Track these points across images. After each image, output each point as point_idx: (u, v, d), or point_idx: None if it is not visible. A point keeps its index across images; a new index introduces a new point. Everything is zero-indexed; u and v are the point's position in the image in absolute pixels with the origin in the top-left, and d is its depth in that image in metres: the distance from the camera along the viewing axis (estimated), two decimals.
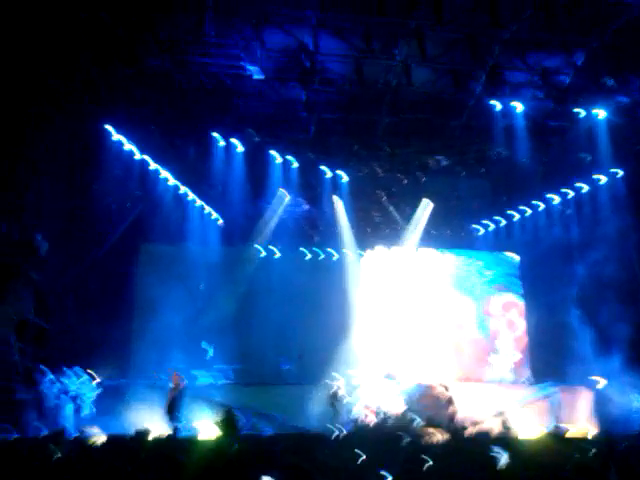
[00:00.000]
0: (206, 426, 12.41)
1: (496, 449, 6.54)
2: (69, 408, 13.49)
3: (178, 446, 10.25)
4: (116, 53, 12.31)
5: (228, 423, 10.17)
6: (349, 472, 5.71)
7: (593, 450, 8.47)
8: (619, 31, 11.90)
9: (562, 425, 15.28)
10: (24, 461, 6.79)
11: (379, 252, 19.46)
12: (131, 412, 13.43)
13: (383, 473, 5.84)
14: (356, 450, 6.46)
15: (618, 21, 11.67)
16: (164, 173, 16.18)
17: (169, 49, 12.54)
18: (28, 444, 9.21)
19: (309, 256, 19.24)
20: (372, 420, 14.41)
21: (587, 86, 13.37)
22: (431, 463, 6.64)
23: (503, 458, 6.41)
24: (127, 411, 13.51)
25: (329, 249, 19.22)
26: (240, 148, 15.56)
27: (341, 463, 6.22)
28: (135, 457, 8.52)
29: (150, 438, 11.06)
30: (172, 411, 12.24)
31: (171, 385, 12.74)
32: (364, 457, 6.48)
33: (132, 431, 11.15)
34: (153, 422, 12.10)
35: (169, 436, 11.67)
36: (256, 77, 13.21)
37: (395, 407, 15.27)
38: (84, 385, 13.83)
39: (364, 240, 19.00)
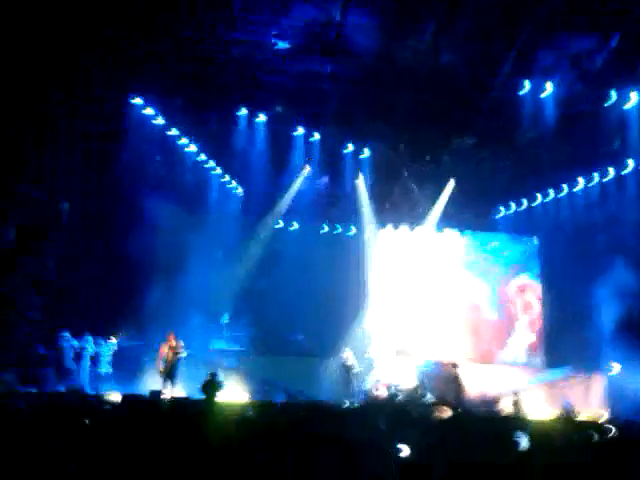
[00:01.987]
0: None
1: (518, 434, 6.62)
2: (86, 367, 13.77)
3: (193, 407, 10.46)
4: (145, 24, 12.32)
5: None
6: (366, 443, 5.81)
7: (595, 436, 8.50)
8: None
9: (571, 406, 15.29)
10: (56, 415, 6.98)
11: (397, 230, 19.43)
12: (146, 373, 13.70)
13: (400, 447, 5.93)
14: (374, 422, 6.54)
15: None
16: (187, 142, 16.24)
17: (198, 22, 12.50)
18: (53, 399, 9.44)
19: (326, 229, 19.26)
20: (383, 394, 14.53)
21: (619, 69, 13.10)
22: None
23: (524, 441, 6.49)
24: (142, 372, 13.77)
25: (347, 224, 19.21)
26: (262, 118, 15.55)
27: (357, 434, 6.32)
28: (150, 417, 8.71)
29: (164, 399, 11.35)
30: (169, 375, 12.61)
31: (166, 348, 13.02)
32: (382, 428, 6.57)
33: (147, 392, 11.44)
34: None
35: (185, 398, 11.93)
36: (281, 46, 13.14)
37: (407, 383, 15.41)
38: (101, 345, 14.07)
39: (383, 217, 18.93)
